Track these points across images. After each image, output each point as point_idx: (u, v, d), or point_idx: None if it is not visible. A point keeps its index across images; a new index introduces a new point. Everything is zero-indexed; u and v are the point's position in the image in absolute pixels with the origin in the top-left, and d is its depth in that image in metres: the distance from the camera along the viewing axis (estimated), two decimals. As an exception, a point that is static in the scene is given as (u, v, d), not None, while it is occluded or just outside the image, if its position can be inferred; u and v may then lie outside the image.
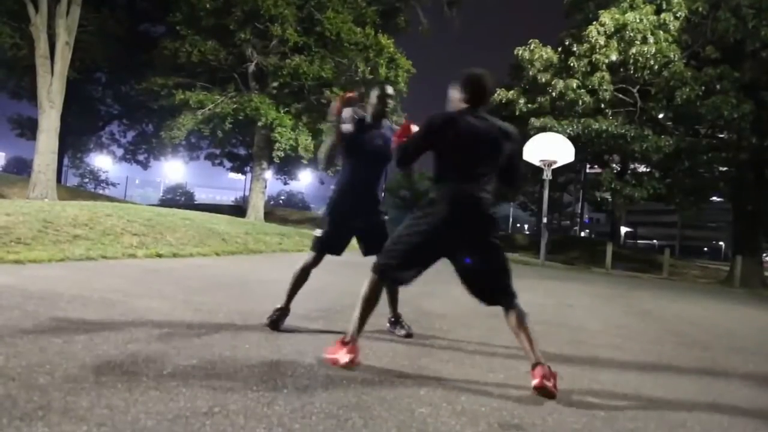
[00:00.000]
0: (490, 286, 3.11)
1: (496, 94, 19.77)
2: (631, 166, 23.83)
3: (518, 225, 76.93)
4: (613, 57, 17.46)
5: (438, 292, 6.95)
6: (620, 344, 4.72)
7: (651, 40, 17.12)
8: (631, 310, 7.58)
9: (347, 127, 3.71)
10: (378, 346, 3.58)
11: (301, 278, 3.88)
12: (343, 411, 2.33)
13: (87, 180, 40.16)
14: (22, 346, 2.75)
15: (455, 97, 3.19)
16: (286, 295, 3.85)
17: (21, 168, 45.35)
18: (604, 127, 17.71)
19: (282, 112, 21.03)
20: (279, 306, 3.82)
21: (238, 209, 27.84)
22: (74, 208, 9.33)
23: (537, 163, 17.25)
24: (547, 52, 18.73)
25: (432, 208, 3.04)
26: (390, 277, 3.16)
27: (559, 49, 19.00)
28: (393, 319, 4.10)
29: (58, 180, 22.15)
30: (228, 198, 63.03)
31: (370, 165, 3.85)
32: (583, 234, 55.96)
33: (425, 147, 3.13)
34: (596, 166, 28.48)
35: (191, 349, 3.03)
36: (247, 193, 30.96)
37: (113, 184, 42.24)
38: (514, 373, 3.28)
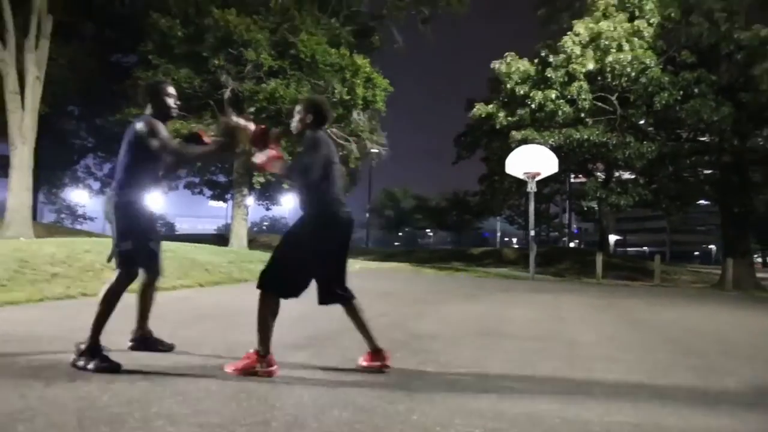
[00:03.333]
0: (339, 286, 3.56)
1: (475, 109, 19.71)
2: (616, 173, 23.84)
3: (506, 239, 77.04)
4: (590, 66, 17.49)
5: (428, 312, 7.21)
6: (614, 355, 4.69)
7: (626, 47, 17.20)
8: (624, 320, 7.55)
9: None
10: (369, 372, 3.55)
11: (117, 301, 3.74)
12: None
13: (63, 215, 39.52)
14: (1, 393, 2.71)
15: (301, 118, 3.60)
16: (92, 328, 3.54)
17: (-4, 207, 44.47)
18: (586, 136, 17.67)
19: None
20: (88, 342, 3.56)
21: (221, 238, 27.41)
22: (51, 246, 9.19)
23: (521, 176, 17.12)
24: (524, 65, 18.74)
25: (320, 224, 3.43)
26: (278, 294, 3.40)
27: (536, 60, 19.01)
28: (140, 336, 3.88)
29: (34, 217, 21.70)
30: (210, 227, 62.49)
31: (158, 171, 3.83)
32: (572, 244, 56.07)
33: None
34: (581, 176, 28.52)
35: (177, 385, 2.99)
36: (229, 221, 30.54)
37: (91, 219, 41.63)
38: (507, 394, 3.23)
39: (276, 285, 3.35)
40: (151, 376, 3.15)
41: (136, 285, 3.69)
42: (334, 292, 3.55)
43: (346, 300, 3.58)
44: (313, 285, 3.53)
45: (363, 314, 3.58)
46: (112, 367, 3.19)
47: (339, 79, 20.31)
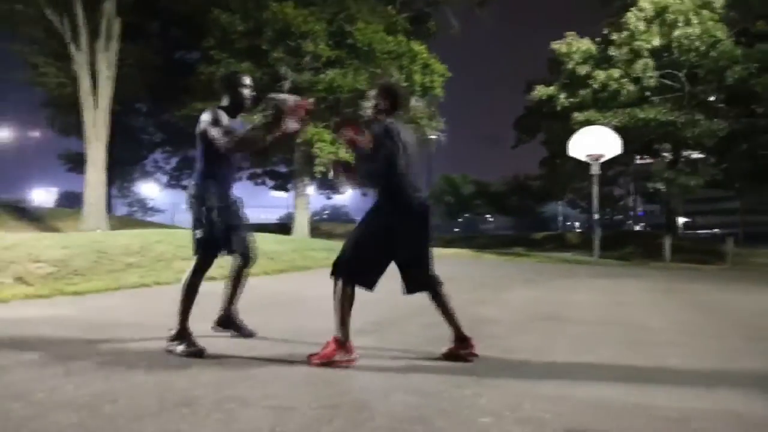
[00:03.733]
0: (425, 273, 3.42)
1: (535, 91, 19.41)
2: (684, 153, 23.01)
3: (568, 223, 75.45)
4: (656, 42, 16.93)
5: (489, 297, 7.12)
6: (685, 341, 4.48)
7: (695, 20, 16.53)
8: (694, 305, 7.25)
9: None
10: (434, 356, 3.53)
11: (198, 288, 3.66)
12: (404, 425, 2.28)
13: (135, 208, 41.20)
14: (88, 375, 2.86)
15: (375, 104, 3.48)
16: (179, 313, 3.54)
17: (73, 201, 46.80)
18: (652, 116, 17.15)
19: (320, 127, 21.05)
20: (177, 329, 3.54)
21: (283, 227, 28.02)
22: (126, 237, 9.57)
23: (583, 158, 16.76)
24: (585, 44, 18.29)
25: (393, 211, 3.31)
26: (355, 282, 3.32)
27: (598, 39, 18.52)
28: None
29: (108, 210, 22.74)
30: (272, 216, 63.67)
31: (233, 158, 3.83)
32: (637, 227, 54.35)
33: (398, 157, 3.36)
34: (646, 157, 27.68)
35: (248, 369, 3.08)
36: (290, 211, 31.19)
37: (160, 211, 43.25)
38: (575, 379, 3.15)
39: (349, 273, 3.27)
40: (222, 360, 3.24)
41: (215, 271, 3.80)
42: (419, 280, 3.42)
43: (433, 288, 3.43)
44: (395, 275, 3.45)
45: (450, 302, 3.44)
46: (197, 352, 3.33)
47: (396, 67, 20.33)
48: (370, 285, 3.32)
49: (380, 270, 3.33)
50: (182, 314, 3.47)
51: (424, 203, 3.41)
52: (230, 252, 3.77)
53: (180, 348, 3.35)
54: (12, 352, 3.27)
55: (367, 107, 3.54)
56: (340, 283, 3.27)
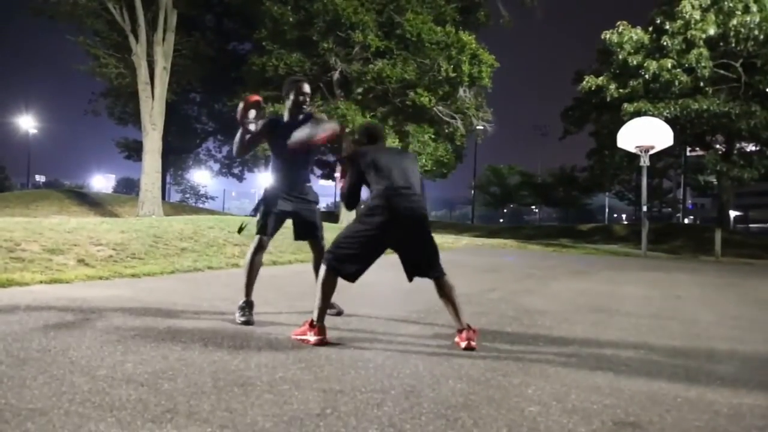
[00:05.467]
0: (425, 266, 3.60)
1: (584, 82, 19.15)
2: (738, 145, 22.33)
3: (615, 215, 73.88)
4: (711, 31, 16.44)
5: (536, 288, 7.13)
6: (739, 336, 4.44)
7: (754, 8, 15.96)
8: (748, 300, 7.11)
9: (253, 127, 4.10)
10: (481, 345, 3.55)
11: (256, 265, 4.09)
12: (452, 411, 2.33)
13: (188, 195, 42.26)
14: (147, 353, 2.97)
15: (359, 142, 3.93)
16: (244, 287, 4.02)
17: (129, 188, 48.38)
18: (705, 107, 16.73)
19: (368, 116, 21.27)
20: (242, 300, 3.98)
21: (331, 215, 28.47)
22: (180, 223, 9.96)
23: (633, 149, 16.52)
24: (637, 33, 17.91)
25: (375, 214, 3.51)
26: (338, 272, 3.53)
27: (650, 28, 18.11)
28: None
29: (163, 197, 23.56)
30: (320, 204, 64.41)
31: (293, 157, 4.12)
32: (687, 221, 52.89)
33: (362, 180, 3.70)
34: (698, 149, 26.95)
35: (299, 353, 3.15)
36: (337, 199, 31.56)
37: (212, 198, 44.24)
38: (624, 369, 3.16)
39: (331, 262, 3.55)
40: (274, 343, 3.35)
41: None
42: (415, 269, 3.63)
43: (431, 276, 3.62)
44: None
45: (449, 292, 3.58)
46: (245, 322, 3.81)
47: (445, 57, 20.35)
48: (346, 276, 3.55)
49: (357, 262, 3.54)
50: (246, 288, 4.00)
51: (399, 205, 3.54)
52: (270, 236, 4.15)
53: (239, 316, 3.86)
54: (76, 330, 3.42)
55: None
56: (325, 269, 3.54)
